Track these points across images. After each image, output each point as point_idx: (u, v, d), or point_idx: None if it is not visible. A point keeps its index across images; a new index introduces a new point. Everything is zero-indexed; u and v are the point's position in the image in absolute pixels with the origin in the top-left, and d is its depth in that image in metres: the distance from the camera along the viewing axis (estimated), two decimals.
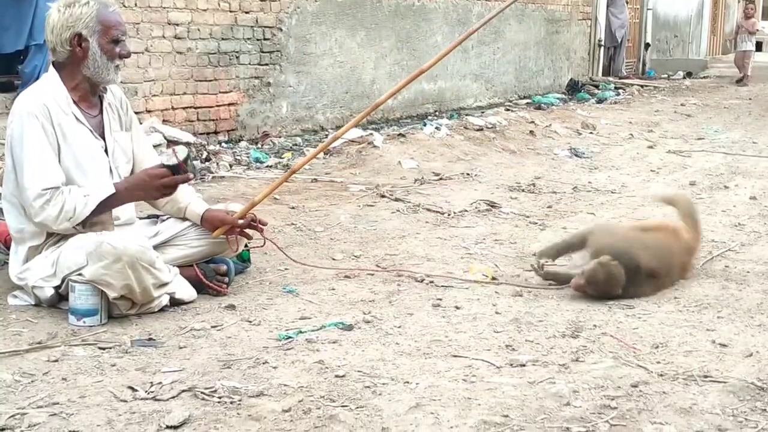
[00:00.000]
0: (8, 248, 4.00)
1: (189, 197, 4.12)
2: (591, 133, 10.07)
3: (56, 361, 3.23)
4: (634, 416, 2.74)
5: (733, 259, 4.74)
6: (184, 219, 4.10)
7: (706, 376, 3.07)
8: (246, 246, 4.34)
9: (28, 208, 3.68)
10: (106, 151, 3.87)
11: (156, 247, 3.91)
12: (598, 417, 2.74)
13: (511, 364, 3.24)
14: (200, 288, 3.98)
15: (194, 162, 4.31)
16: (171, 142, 6.73)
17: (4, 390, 2.98)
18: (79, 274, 3.60)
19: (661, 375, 3.08)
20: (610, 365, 3.19)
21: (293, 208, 5.85)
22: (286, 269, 4.46)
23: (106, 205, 3.75)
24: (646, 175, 7.58)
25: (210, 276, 4.03)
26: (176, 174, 3.74)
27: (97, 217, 3.75)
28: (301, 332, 3.57)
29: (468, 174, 7.24)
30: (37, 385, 3.02)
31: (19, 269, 3.80)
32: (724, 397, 2.90)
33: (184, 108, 7.94)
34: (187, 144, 6.94)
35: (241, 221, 4.11)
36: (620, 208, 6.13)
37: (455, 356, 3.34)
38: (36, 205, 3.64)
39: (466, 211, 5.93)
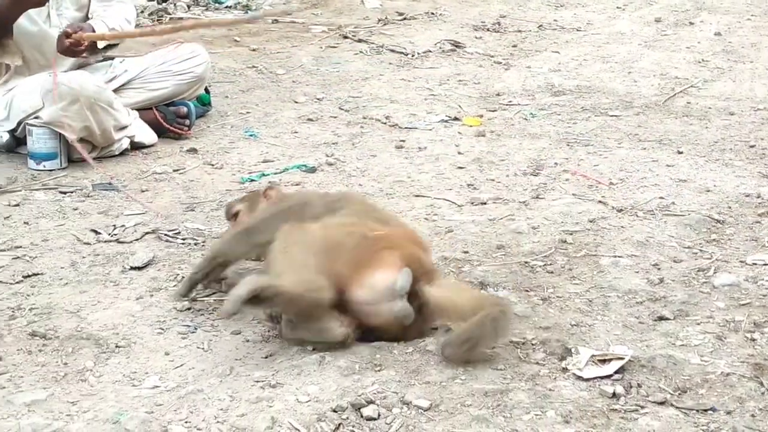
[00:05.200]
0: None
1: None
2: None
3: (17, 205, 3.22)
4: (591, 250, 2.80)
5: (695, 95, 4.75)
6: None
7: (663, 211, 3.12)
8: (206, 90, 4.27)
9: None
10: None
11: (114, 92, 3.82)
12: (556, 251, 2.79)
13: (472, 203, 3.27)
14: (161, 131, 3.94)
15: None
16: None
17: None
18: (36, 117, 3.54)
19: (620, 210, 3.13)
20: (569, 201, 3.23)
21: (254, 50, 5.73)
22: (248, 113, 4.41)
23: None
24: (612, 12, 7.46)
25: (170, 119, 3.98)
26: None
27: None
28: (263, 175, 3.57)
29: (432, 13, 7.09)
30: None
31: None
32: (681, 230, 2.96)
33: None
34: None
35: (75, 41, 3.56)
36: (585, 46, 6.07)
37: (417, 196, 3.36)
38: None
39: (430, 51, 5.84)
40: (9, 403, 2.05)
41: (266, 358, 2.21)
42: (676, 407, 1.99)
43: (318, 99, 4.70)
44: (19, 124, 3.62)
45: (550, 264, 2.71)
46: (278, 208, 2.55)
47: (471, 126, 4.25)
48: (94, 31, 3.62)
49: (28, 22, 3.64)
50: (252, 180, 3.51)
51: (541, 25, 6.74)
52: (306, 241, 2.25)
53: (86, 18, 3.82)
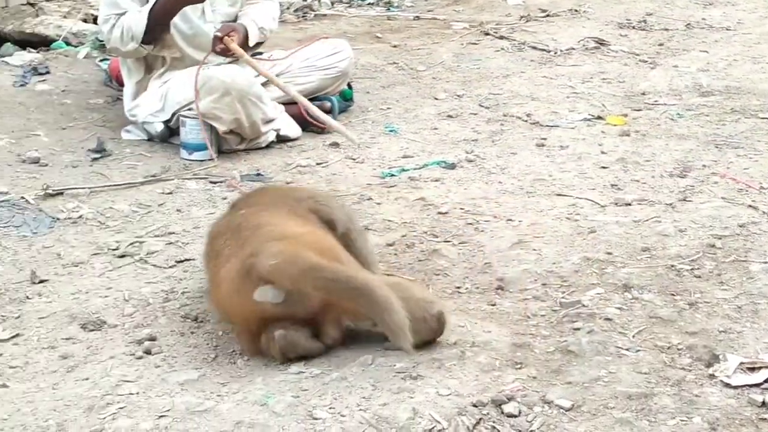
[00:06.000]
0: (121, 85, 4.12)
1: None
2: None
3: (170, 193, 3.37)
4: (741, 255, 2.72)
5: None
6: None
7: None
8: (348, 85, 4.34)
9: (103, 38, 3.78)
10: None
11: (262, 86, 3.93)
12: (704, 255, 2.72)
13: (616, 203, 3.22)
14: (305, 125, 4.03)
15: None
16: None
17: (123, 220, 3.14)
18: (189, 109, 3.69)
19: None
20: (718, 205, 3.14)
21: (395, 46, 5.78)
22: (388, 108, 4.46)
23: (159, 15, 3.69)
24: (763, 11, 7.18)
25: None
26: None
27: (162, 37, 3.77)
28: (403, 170, 3.61)
29: (576, 10, 6.99)
30: (153, 216, 3.17)
31: (130, 105, 3.92)
32: None
33: None
34: None
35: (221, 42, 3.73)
36: (735, 45, 5.87)
37: (559, 195, 3.34)
38: (104, 30, 3.77)
39: (573, 49, 5.76)
40: (164, 381, 2.16)
41: None
42: None
43: (458, 96, 4.71)
44: (173, 115, 3.78)
45: (698, 268, 2.65)
46: None
47: (615, 125, 4.18)
48: (246, 31, 3.82)
49: (182, 18, 3.79)
50: (392, 175, 3.55)
51: (688, 24, 6.55)
52: None
53: (238, 12, 3.97)
